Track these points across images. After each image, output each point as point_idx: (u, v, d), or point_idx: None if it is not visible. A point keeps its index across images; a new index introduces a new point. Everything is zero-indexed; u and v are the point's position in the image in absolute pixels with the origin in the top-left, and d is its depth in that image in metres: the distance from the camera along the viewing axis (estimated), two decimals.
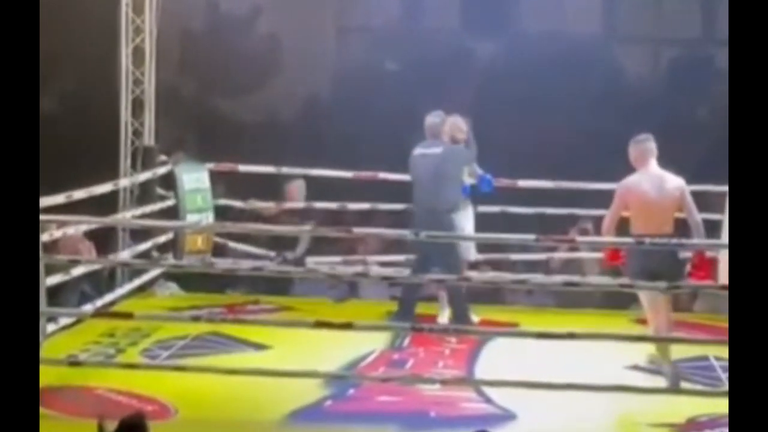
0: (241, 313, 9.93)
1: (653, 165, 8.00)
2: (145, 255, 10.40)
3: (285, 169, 11.11)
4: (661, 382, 7.85)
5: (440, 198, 9.50)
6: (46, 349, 7.55)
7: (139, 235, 10.59)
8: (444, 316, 9.70)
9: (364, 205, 11.03)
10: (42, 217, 6.46)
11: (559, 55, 12.17)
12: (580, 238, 9.74)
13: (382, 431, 7.03)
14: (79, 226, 9.31)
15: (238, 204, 11.24)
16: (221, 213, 11.01)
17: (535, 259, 11.08)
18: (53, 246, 9.26)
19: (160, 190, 10.90)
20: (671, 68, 13.02)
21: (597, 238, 7.99)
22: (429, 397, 7.55)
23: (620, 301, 9.70)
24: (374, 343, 8.82)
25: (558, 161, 11.25)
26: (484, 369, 8.34)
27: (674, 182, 7.92)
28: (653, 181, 7.90)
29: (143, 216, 10.30)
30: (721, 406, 6.99)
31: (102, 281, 10.24)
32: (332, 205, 11.01)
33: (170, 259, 10.55)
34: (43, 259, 7.57)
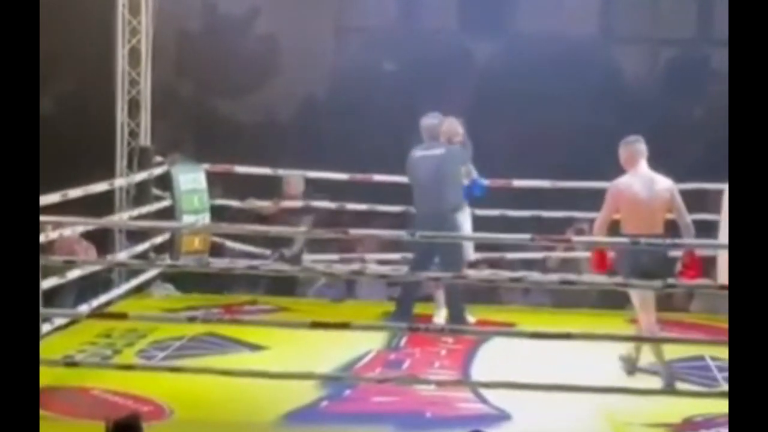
0: (237, 314, 9.92)
1: (643, 166, 8.06)
2: (141, 256, 10.40)
3: (281, 171, 11.12)
4: (656, 382, 7.86)
5: (444, 199, 9.51)
6: (42, 350, 7.52)
7: (135, 235, 10.58)
8: (440, 316, 9.70)
9: (362, 206, 11.02)
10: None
11: (557, 55, 12.17)
12: (575, 238, 9.74)
13: None
14: (75, 228, 9.30)
15: (235, 204, 11.24)
16: (219, 213, 11.01)
17: (532, 259, 11.07)
18: (49, 247, 9.27)
19: (156, 191, 10.90)
20: (668, 68, 13.03)
21: (593, 237, 7.97)
22: (425, 397, 7.54)
23: (616, 300, 9.69)
24: (371, 343, 8.81)
25: (556, 161, 11.25)
26: (480, 369, 8.34)
27: (664, 183, 7.99)
28: (644, 182, 7.96)
29: (139, 217, 10.30)
30: (716, 406, 7.04)
31: (99, 282, 10.23)
32: (330, 205, 11.01)
33: (167, 260, 10.54)
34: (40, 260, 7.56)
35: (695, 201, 10.51)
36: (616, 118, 11.56)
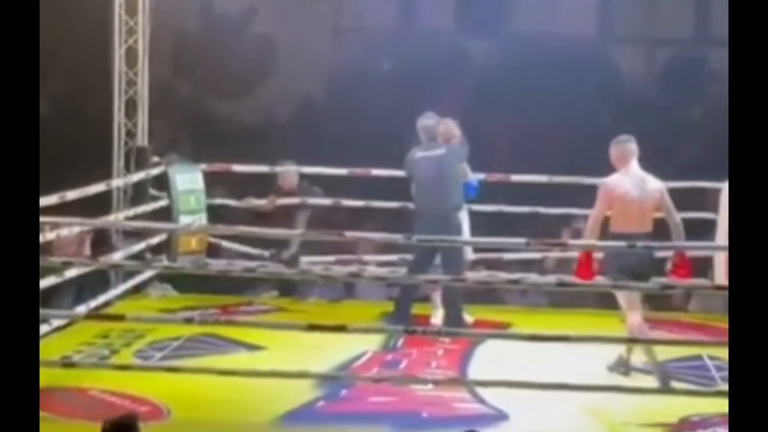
0: (234, 314, 9.92)
1: (634, 165, 8.11)
2: (139, 256, 10.39)
3: (279, 168, 11.10)
4: (653, 382, 7.86)
5: (447, 198, 9.53)
6: (40, 351, 7.54)
7: (133, 235, 10.58)
8: (437, 317, 9.70)
9: (359, 203, 11.01)
10: None
11: (555, 55, 12.16)
12: (571, 241, 9.73)
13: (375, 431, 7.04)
14: (72, 228, 9.30)
15: (233, 203, 11.23)
16: (218, 213, 11.00)
17: (529, 259, 11.07)
18: (47, 247, 9.25)
19: (152, 191, 10.89)
20: (665, 68, 13.02)
21: (588, 241, 7.99)
22: (422, 397, 7.55)
23: (613, 301, 9.68)
24: (368, 343, 8.81)
25: (554, 161, 11.24)
26: (477, 369, 8.34)
27: (654, 183, 8.07)
28: (635, 181, 8.03)
29: (136, 217, 10.29)
30: (713, 405, 7.05)
31: (96, 282, 10.22)
32: (326, 201, 10.99)
33: (164, 261, 10.54)
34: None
35: (693, 200, 10.55)
36: (614, 117, 11.56)
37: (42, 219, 7.02)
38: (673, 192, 10.48)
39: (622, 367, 8.12)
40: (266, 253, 11.00)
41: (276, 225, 10.59)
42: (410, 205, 10.10)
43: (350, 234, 8.53)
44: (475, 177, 10.04)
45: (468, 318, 9.72)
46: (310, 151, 11.15)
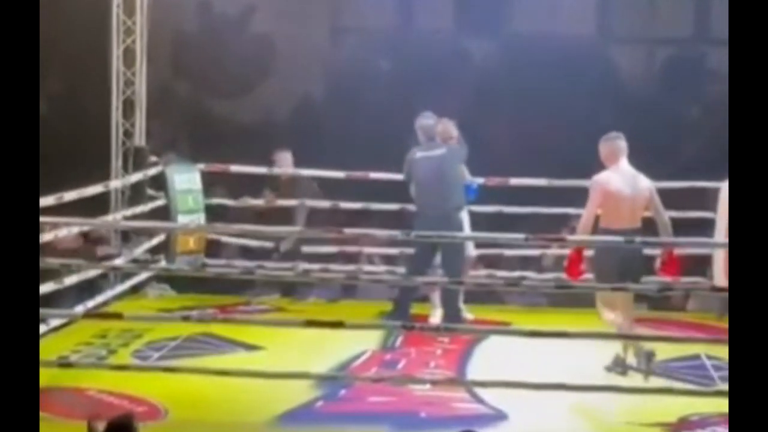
0: (232, 314, 9.92)
1: (624, 162, 8.18)
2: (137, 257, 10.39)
3: (277, 169, 11.09)
4: (653, 381, 7.86)
5: (448, 198, 9.53)
6: None
7: (131, 236, 10.58)
8: (436, 316, 9.70)
9: (357, 205, 10.99)
10: None
11: (554, 54, 12.15)
12: (570, 237, 9.73)
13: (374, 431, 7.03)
14: (71, 228, 9.28)
15: (230, 203, 11.21)
16: (216, 213, 10.97)
17: (529, 256, 11.05)
18: (45, 247, 9.23)
19: (150, 191, 10.88)
20: (665, 67, 13.01)
21: (585, 237, 7.99)
22: (420, 397, 7.53)
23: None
24: (366, 343, 8.81)
25: (553, 160, 11.24)
26: (476, 369, 8.33)
27: (645, 182, 8.14)
28: (627, 178, 8.10)
29: (134, 217, 10.28)
30: (712, 405, 7.04)
31: (94, 282, 10.21)
32: (325, 204, 10.97)
33: (162, 261, 10.52)
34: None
35: (692, 199, 10.54)
36: (614, 117, 11.54)
37: (40, 219, 7.01)
38: (672, 191, 10.51)
39: (620, 366, 8.12)
40: (268, 244, 10.93)
41: (276, 218, 10.59)
42: (409, 207, 10.09)
43: (349, 231, 8.54)
44: (473, 180, 10.03)
45: (468, 315, 9.73)
46: (309, 151, 11.13)
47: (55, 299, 9.27)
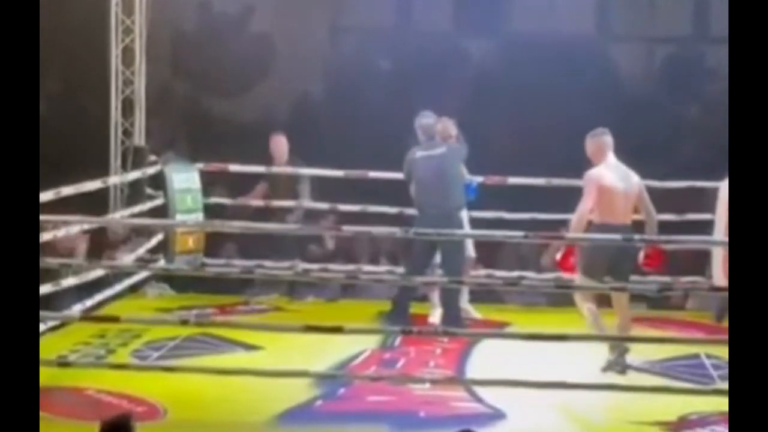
0: (231, 314, 9.92)
1: (613, 158, 8.23)
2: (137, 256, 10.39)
3: (275, 168, 11.08)
4: (653, 380, 7.86)
5: (449, 198, 9.52)
6: None
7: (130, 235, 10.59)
8: (435, 316, 9.69)
9: (355, 207, 10.97)
10: None
11: (553, 53, 12.16)
12: (568, 234, 9.73)
13: (373, 431, 7.01)
14: (69, 228, 9.27)
15: (228, 202, 11.20)
16: (218, 212, 10.96)
17: (528, 255, 11.05)
18: (44, 246, 9.23)
19: (149, 190, 10.87)
20: (664, 66, 13.01)
21: (581, 232, 8.02)
22: (419, 396, 7.53)
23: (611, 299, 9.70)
24: (366, 342, 8.80)
25: (552, 159, 11.24)
26: (475, 368, 8.33)
27: (635, 176, 8.22)
28: (619, 173, 8.18)
29: (132, 216, 10.28)
30: (712, 404, 7.04)
31: (93, 281, 10.21)
32: (323, 206, 10.95)
33: (161, 260, 10.52)
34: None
35: (691, 198, 10.54)
36: (613, 115, 11.52)
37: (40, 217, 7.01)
38: (671, 190, 10.52)
39: (619, 365, 8.11)
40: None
41: (280, 198, 10.55)
42: (407, 211, 10.10)
43: (348, 228, 8.54)
44: (472, 179, 10.03)
45: (476, 315, 9.74)
46: (308, 150, 11.13)
47: (55, 298, 9.28)
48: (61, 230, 9.20)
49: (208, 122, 12.66)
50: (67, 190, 8.85)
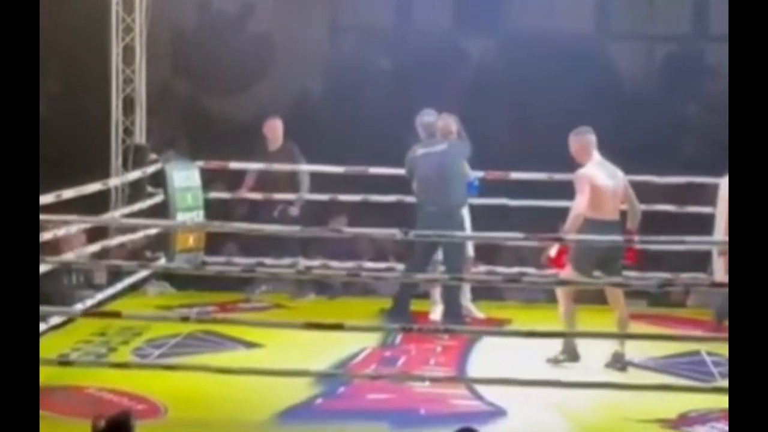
0: (232, 311, 9.92)
1: (598, 155, 8.33)
2: (136, 254, 10.40)
3: (276, 165, 11.06)
4: (653, 377, 7.87)
5: (450, 195, 9.52)
6: None
7: (130, 233, 10.59)
8: (436, 313, 9.69)
9: (356, 197, 10.96)
10: None
11: (553, 51, 12.16)
12: (569, 236, 9.74)
13: (373, 429, 7.02)
14: (69, 226, 9.28)
15: (226, 196, 11.18)
16: (219, 208, 10.95)
17: (527, 253, 11.04)
18: (43, 246, 9.23)
19: (149, 189, 10.87)
20: (664, 64, 13.02)
21: (583, 234, 8.04)
22: (420, 394, 7.53)
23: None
24: (366, 340, 8.80)
25: (551, 157, 11.24)
26: (475, 366, 8.33)
27: (620, 173, 8.36)
28: (607, 170, 8.30)
29: (132, 215, 10.28)
30: (712, 401, 7.03)
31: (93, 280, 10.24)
32: (323, 197, 10.94)
33: (162, 259, 10.52)
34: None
35: (691, 195, 10.54)
36: (613, 114, 11.56)
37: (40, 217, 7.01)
38: (671, 187, 10.52)
39: (619, 362, 8.13)
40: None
41: (284, 189, 10.53)
42: (407, 199, 10.10)
43: (348, 230, 8.54)
44: (474, 176, 10.03)
45: (478, 314, 9.74)
46: (308, 149, 11.12)
47: (55, 297, 9.30)
48: (61, 228, 9.20)
49: (208, 120, 12.67)
50: (68, 193, 8.84)
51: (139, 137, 11.09)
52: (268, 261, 10.40)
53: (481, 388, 7.54)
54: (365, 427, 7.05)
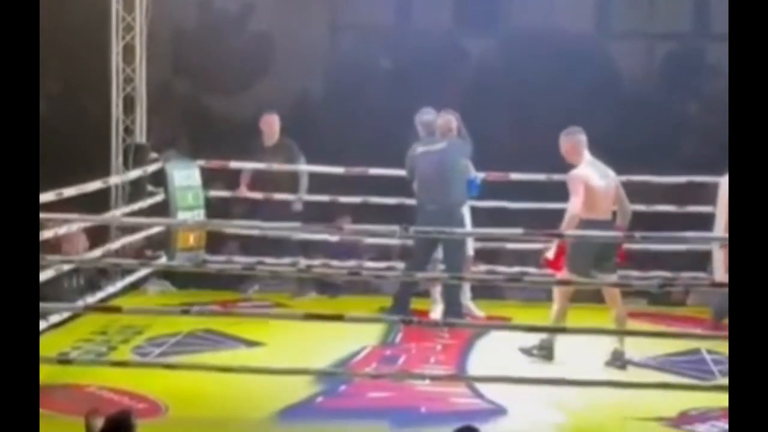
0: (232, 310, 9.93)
1: (589, 155, 8.39)
2: (137, 253, 10.40)
3: (276, 165, 11.06)
4: (652, 376, 7.87)
5: (449, 193, 9.52)
6: None
7: (130, 233, 10.58)
8: (437, 312, 9.69)
9: (356, 199, 10.97)
10: None
11: (553, 50, 12.16)
12: (568, 232, 9.75)
13: (374, 427, 7.02)
14: (70, 225, 9.28)
15: (226, 194, 11.18)
16: (219, 206, 10.95)
17: (528, 251, 11.04)
18: (43, 245, 9.23)
19: (149, 187, 10.87)
20: (664, 63, 13.01)
21: (584, 232, 8.05)
22: (420, 392, 7.54)
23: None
24: (366, 339, 8.81)
25: (551, 156, 11.24)
26: (475, 365, 8.34)
27: (611, 172, 8.44)
28: (599, 170, 8.36)
29: (132, 214, 10.28)
30: (712, 399, 7.04)
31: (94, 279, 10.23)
32: (323, 198, 10.94)
33: (162, 257, 10.52)
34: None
35: (691, 195, 10.54)
36: (613, 113, 11.56)
37: (41, 216, 7.02)
38: (671, 186, 10.52)
39: (619, 360, 8.13)
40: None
41: (282, 185, 10.50)
42: (408, 203, 10.10)
43: (349, 227, 8.54)
44: (477, 175, 10.03)
45: (478, 313, 9.74)
46: (308, 149, 11.13)
47: (56, 296, 9.29)
48: (62, 227, 9.20)
49: (208, 120, 12.66)
50: (69, 192, 8.85)
51: (140, 136, 11.09)
52: (269, 260, 10.41)
53: (481, 387, 7.55)
54: (366, 426, 7.05)
